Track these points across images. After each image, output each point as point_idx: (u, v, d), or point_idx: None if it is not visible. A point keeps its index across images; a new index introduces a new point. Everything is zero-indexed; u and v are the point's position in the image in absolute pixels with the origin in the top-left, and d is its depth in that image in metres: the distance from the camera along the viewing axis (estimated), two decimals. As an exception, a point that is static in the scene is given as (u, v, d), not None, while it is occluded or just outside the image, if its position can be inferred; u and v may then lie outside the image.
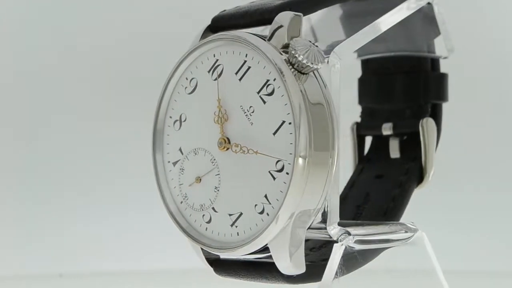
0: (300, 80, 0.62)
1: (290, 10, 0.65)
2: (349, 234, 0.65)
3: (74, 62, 1.11)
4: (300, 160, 0.61)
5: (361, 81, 0.83)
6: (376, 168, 0.81)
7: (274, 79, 0.63)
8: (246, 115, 0.65)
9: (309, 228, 0.63)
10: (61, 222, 1.10)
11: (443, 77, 0.80)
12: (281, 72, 0.62)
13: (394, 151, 0.79)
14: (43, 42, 1.11)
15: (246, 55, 0.65)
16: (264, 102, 0.64)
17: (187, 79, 0.69)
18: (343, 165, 0.80)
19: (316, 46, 0.63)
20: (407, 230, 0.69)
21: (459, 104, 0.83)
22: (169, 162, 0.70)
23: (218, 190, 0.67)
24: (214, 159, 0.67)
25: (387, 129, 0.80)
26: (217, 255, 0.67)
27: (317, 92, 0.63)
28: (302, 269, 0.63)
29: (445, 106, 0.80)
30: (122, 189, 1.10)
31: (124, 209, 1.10)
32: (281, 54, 0.63)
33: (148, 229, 1.10)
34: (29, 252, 1.10)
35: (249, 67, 0.65)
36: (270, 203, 0.63)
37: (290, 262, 0.63)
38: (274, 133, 0.63)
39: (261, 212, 0.63)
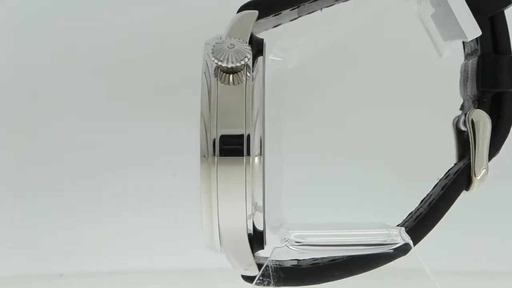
0: (221, 79, 0.63)
1: (254, 9, 0.66)
2: (289, 237, 0.65)
3: (74, 62, 1.11)
4: (200, 159, 0.62)
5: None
6: (455, 166, 0.74)
7: None
8: None
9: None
10: (61, 222, 1.10)
11: (504, 60, 0.69)
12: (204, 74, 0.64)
13: None
14: (43, 42, 1.11)
15: None
16: None
17: None
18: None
19: (244, 44, 0.63)
20: (389, 241, 0.66)
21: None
22: None
23: None
24: None
25: (461, 124, 0.72)
26: None
27: (235, 91, 0.63)
28: (253, 272, 0.64)
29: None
30: (122, 189, 1.10)
31: (124, 209, 1.10)
32: None
33: (148, 229, 1.09)
34: (29, 252, 1.10)
35: None
36: None
37: (236, 263, 0.63)
38: None
39: None
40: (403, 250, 0.66)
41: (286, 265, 0.65)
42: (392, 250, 0.66)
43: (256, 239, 0.64)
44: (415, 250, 0.67)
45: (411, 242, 0.67)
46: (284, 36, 0.71)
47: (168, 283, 1.05)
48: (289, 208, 0.78)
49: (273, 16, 0.69)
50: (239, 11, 0.67)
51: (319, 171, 1.07)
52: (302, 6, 0.69)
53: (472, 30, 0.68)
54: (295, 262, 0.66)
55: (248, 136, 0.62)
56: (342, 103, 1.10)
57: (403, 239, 0.67)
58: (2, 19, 1.11)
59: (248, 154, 0.62)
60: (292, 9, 0.69)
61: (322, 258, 0.66)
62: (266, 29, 0.71)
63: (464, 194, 1.02)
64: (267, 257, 0.67)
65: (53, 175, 1.11)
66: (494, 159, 0.72)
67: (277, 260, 0.65)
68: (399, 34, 1.05)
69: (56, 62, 1.10)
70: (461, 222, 1.07)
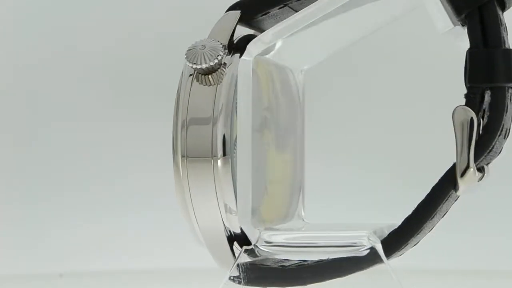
0: (199, 81, 0.63)
1: (240, 9, 0.66)
2: (260, 236, 0.65)
3: (74, 62, 1.11)
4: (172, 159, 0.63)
5: None
6: None
7: None
8: None
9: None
10: (61, 222, 1.10)
11: (492, 54, 0.63)
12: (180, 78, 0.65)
13: None
14: (43, 42, 1.11)
15: None
16: None
17: None
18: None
19: (216, 43, 0.63)
20: (358, 243, 0.64)
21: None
22: None
23: None
24: None
25: None
26: None
27: (207, 91, 0.63)
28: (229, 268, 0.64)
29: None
30: (122, 189, 1.10)
31: (124, 209, 1.10)
32: None
33: (148, 229, 1.09)
34: (29, 252, 1.10)
35: None
36: None
37: (214, 259, 0.63)
38: None
39: None
40: (372, 253, 0.63)
41: (269, 265, 0.65)
42: (364, 254, 0.63)
43: (240, 239, 0.64)
44: (381, 252, 0.63)
45: (378, 246, 0.63)
46: (262, 35, 0.70)
47: (168, 283, 1.05)
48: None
49: (262, 15, 0.68)
50: (226, 12, 0.68)
51: (319, 171, 1.07)
52: (290, 4, 0.68)
53: (442, 22, 0.64)
54: (294, 263, 0.65)
55: (215, 136, 0.62)
56: (342, 104, 1.10)
57: (370, 242, 0.64)
58: (2, 19, 1.11)
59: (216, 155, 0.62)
60: (280, 8, 0.68)
61: (302, 261, 0.65)
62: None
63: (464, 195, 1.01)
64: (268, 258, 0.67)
65: (53, 175, 1.11)
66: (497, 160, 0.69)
67: (261, 260, 0.64)
68: (404, 31, 1.04)
69: (56, 62, 1.10)
70: (461, 222, 1.07)
